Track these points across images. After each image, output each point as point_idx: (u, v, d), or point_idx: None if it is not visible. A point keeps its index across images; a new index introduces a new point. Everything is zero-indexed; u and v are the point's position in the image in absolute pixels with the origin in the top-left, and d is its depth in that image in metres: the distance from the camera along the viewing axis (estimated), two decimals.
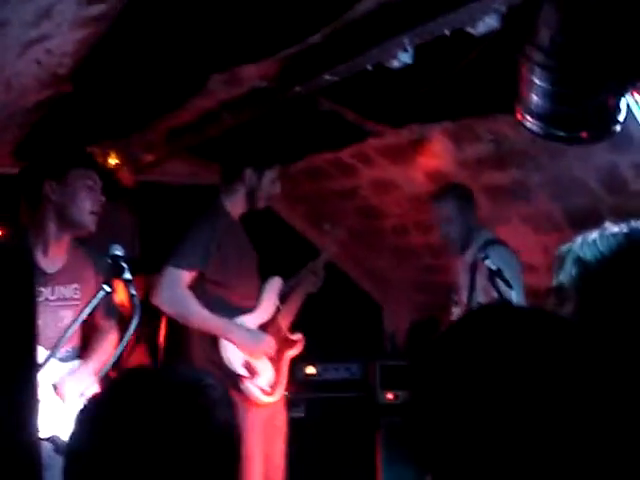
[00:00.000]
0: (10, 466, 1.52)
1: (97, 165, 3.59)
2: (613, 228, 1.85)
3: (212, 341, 3.88)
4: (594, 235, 1.84)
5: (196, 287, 3.85)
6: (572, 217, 3.87)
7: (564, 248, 1.89)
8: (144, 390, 1.33)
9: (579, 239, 1.87)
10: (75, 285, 3.25)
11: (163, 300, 3.74)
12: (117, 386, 1.39)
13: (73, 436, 1.31)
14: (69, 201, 3.17)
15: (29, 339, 1.67)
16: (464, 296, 3.96)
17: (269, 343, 4.05)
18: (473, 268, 3.86)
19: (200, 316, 3.83)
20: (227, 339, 3.90)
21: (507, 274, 3.53)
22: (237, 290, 4.03)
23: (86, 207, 3.20)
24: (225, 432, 1.33)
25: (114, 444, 1.25)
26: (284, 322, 4.24)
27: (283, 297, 4.29)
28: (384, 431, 5.04)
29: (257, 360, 4.00)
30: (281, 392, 4.12)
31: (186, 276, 3.80)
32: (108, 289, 2.75)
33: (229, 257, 3.95)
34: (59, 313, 3.17)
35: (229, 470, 1.33)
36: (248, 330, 4.01)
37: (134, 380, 1.40)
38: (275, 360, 4.12)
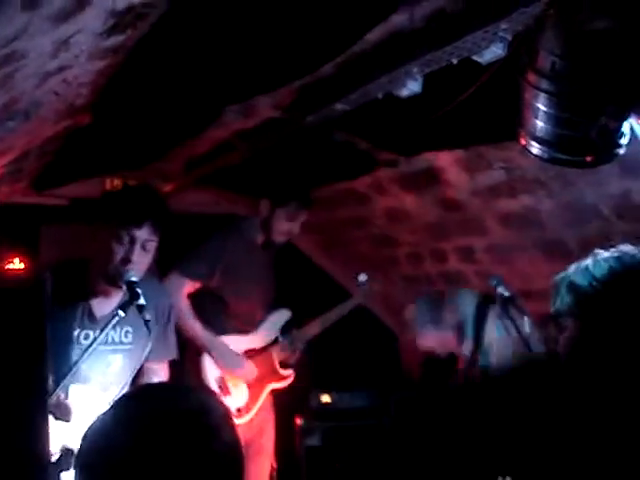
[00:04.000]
0: None
1: None
2: (604, 253, 1.89)
3: (198, 351, 3.93)
4: (587, 261, 1.89)
5: (198, 297, 3.91)
6: (584, 244, 3.87)
7: (559, 277, 1.94)
8: (149, 412, 1.36)
9: (573, 266, 1.92)
10: None
11: None
12: (123, 405, 1.41)
13: (80, 451, 1.34)
14: None
15: (39, 372, 1.68)
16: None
17: (248, 370, 4.07)
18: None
19: (191, 327, 3.90)
20: (209, 355, 3.95)
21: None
22: (238, 311, 4.07)
23: None
24: (230, 451, 1.36)
25: (118, 461, 1.28)
26: (278, 356, 4.24)
27: (286, 330, 4.30)
28: None
29: (234, 382, 4.03)
30: (250, 417, 4.08)
31: (188, 285, 3.87)
32: (122, 314, 2.78)
33: (237, 277, 3.99)
34: None
35: None
36: (230, 352, 4.03)
37: (141, 400, 1.43)
38: (254, 387, 4.12)
